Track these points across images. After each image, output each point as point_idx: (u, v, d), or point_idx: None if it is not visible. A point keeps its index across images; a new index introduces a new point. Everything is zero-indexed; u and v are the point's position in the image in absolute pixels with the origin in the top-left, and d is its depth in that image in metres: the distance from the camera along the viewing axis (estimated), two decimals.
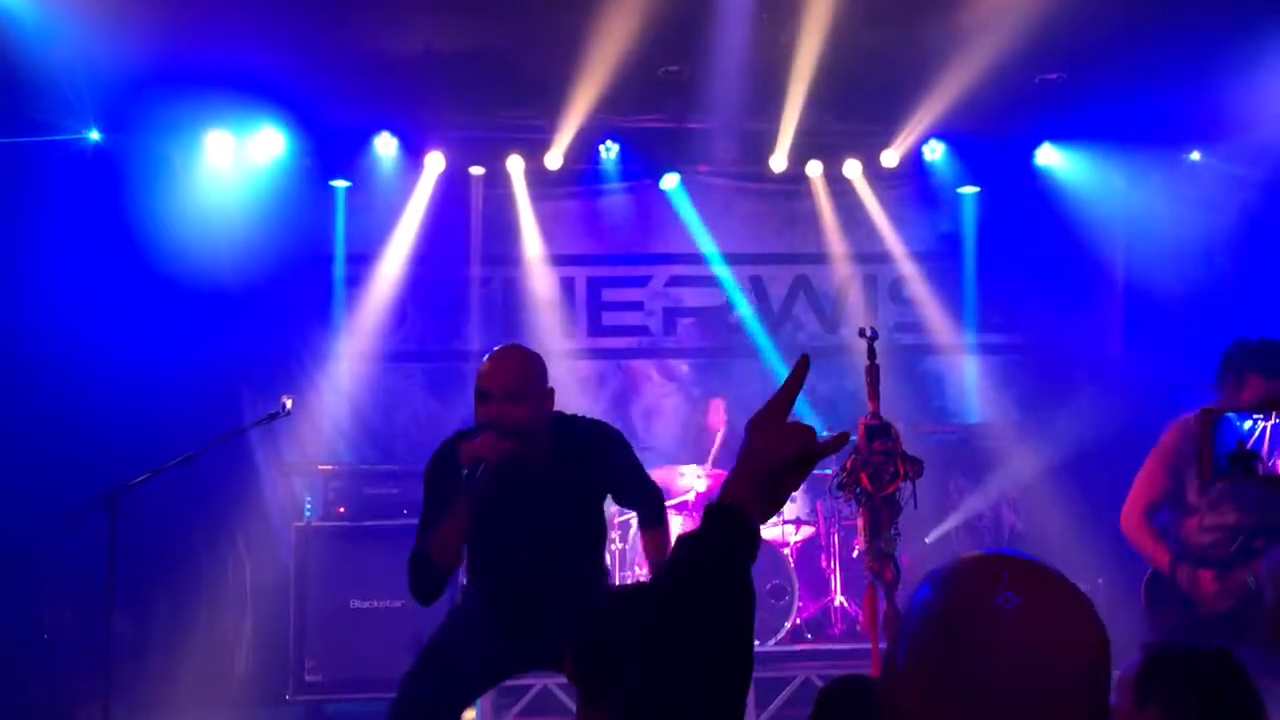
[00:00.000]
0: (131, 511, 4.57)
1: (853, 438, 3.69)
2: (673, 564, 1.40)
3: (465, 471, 3.24)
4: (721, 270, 7.99)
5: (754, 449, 1.44)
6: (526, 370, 3.40)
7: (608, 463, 3.58)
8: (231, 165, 7.12)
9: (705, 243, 7.93)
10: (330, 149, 7.37)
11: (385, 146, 7.35)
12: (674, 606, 1.36)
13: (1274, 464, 3.23)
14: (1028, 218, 7.85)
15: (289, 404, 4.74)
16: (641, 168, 7.73)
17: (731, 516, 1.40)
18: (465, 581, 3.67)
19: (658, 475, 6.64)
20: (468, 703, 3.49)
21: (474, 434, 3.36)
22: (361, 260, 7.60)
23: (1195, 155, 7.66)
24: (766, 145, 7.69)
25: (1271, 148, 6.73)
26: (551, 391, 3.47)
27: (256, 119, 7.01)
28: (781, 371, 7.87)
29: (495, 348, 3.52)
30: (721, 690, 1.34)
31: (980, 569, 1.24)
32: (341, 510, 6.34)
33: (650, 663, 1.33)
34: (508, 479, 3.34)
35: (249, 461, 7.10)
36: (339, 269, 7.58)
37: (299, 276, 7.44)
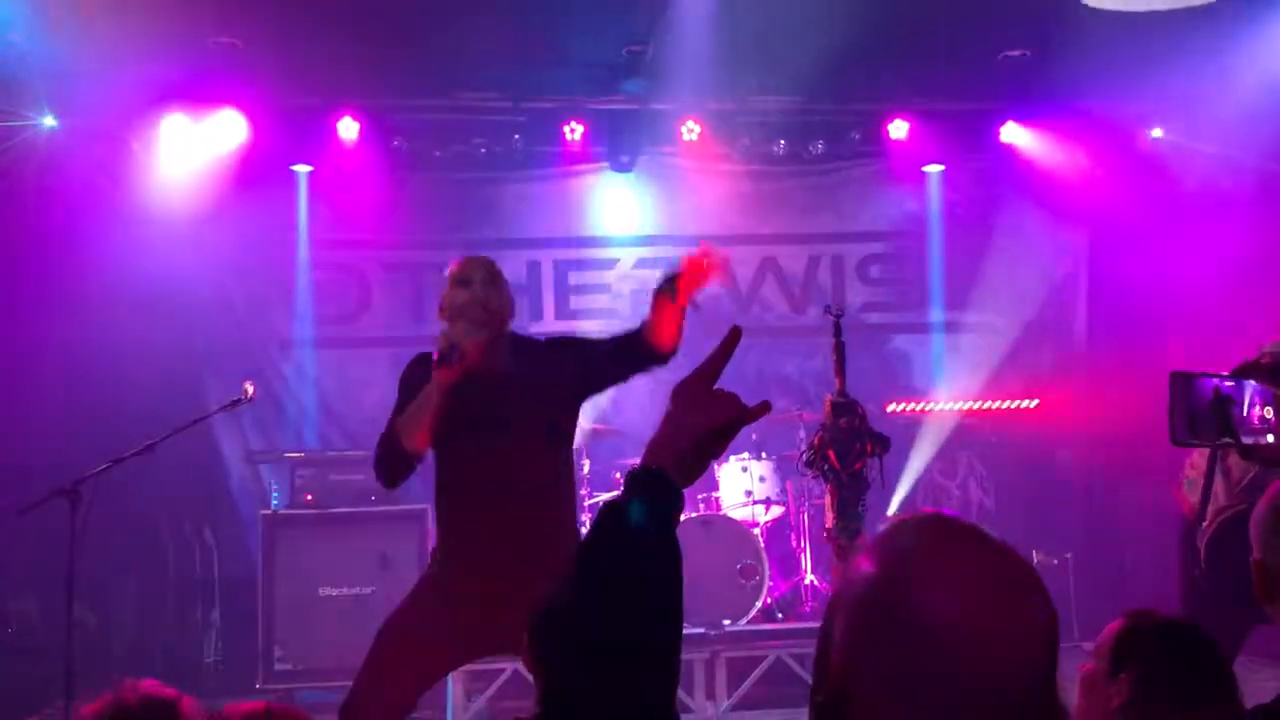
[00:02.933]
0: (96, 502, 4.51)
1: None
2: (596, 528, 1.40)
3: (440, 357, 3.27)
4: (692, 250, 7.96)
5: (679, 416, 1.46)
6: (496, 267, 3.53)
7: (568, 351, 3.58)
8: (190, 149, 7.02)
9: (672, 223, 7.90)
10: (291, 133, 7.28)
11: (347, 130, 7.27)
12: (600, 572, 1.37)
13: (1251, 415, 3.19)
14: (993, 195, 7.89)
15: (251, 390, 4.69)
16: (607, 149, 7.69)
17: (657, 480, 1.41)
18: (432, 547, 3.59)
19: (629, 460, 6.68)
20: (426, 687, 3.42)
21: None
22: (325, 245, 7.53)
23: (1157, 132, 7.71)
24: (732, 126, 7.68)
25: (1231, 124, 6.77)
26: (512, 300, 3.53)
27: (215, 102, 6.92)
28: (749, 351, 7.87)
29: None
30: (653, 657, 1.35)
31: (920, 536, 1.21)
32: (309, 497, 6.30)
33: (579, 632, 1.33)
34: (474, 400, 3.33)
35: (215, 450, 7.05)
36: (302, 254, 7.49)
37: (262, 262, 7.36)
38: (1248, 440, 2.11)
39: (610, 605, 1.34)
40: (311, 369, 7.45)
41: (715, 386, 1.49)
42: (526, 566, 3.30)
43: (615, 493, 1.47)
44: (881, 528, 1.24)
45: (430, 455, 3.45)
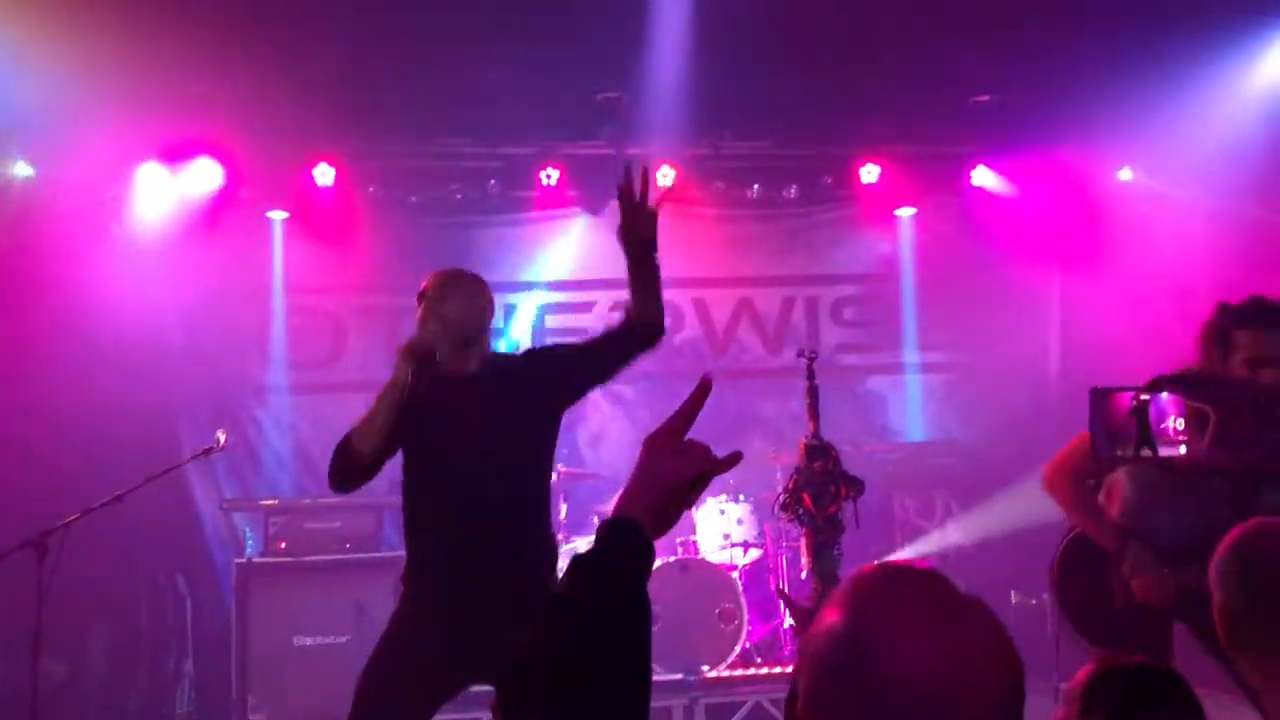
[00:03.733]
0: (67, 551, 4.45)
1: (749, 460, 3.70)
2: (569, 581, 1.40)
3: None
4: (668, 293, 7.99)
5: (651, 468, 1.47)
6: (458, 278, 3.54)
7: (549, 360, 3.57)
8: (166, 198, 7.01)
9: None
10: (267, 179, 7.29)
11: (322, 176, 7.28)
12: (571, 627, 1.37)
13: (1165, 427, 3.22)
14: (965, 237, 7.97)
15: (223, 438, 4.66)
16: (582, 194, 7.73)
17: (629, 532, 1.42)
18: (402, 581, 3.51)
19: (606, 504, 6.66)
20: None
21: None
22: (301, 291, 7.52)
23: (1126, 173, 7.82)
24: (706, 171, 7.75)
25: (1199, 166, 6.88)
26: (492, 306, 3.55)
27: (191, 150, 6.93)
28: (725, 394, 7.89)
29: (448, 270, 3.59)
30: (622, 713, 1.35)
31: (882, 591, 1.22)
32: (283, 545, 6.24)
33: (552, 680, 1.33)
34: (445, 413, 3.33)
35: (188, 498, 6.98)
36: (278, 300, 7.47)
37: (238, 309, 7.34)
38: (1164, 451, 2.11)
39: (580, 660, 1.34)
40: (287, 415, 7.41)
41: (687, 437, 1.51)
42: (504, 586, 3.27)
43: (591, 537, 1.48)
44: (846, 579, 1.24)
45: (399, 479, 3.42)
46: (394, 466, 3.49)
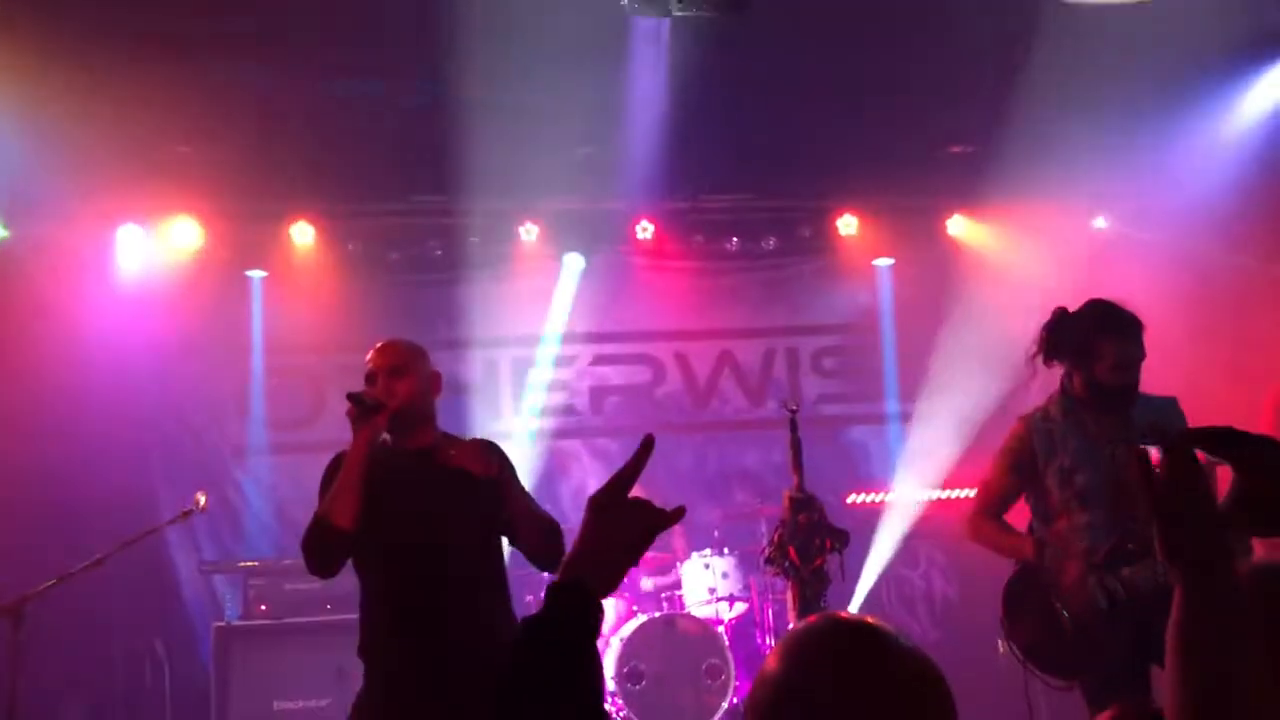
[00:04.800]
0: (44, 614, 4.39)
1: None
2: (518, 647, 1.42)
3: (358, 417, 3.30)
4: (649, 346, 8.03)
5: (596, 527, 1.49)
6: (409, 349, 3.53)
7: (499, 459, 3.48)
8: (144, 258, 7.01)
9: (629, 320, 7.96)
10: (246, 238, 7.30)
11: (301, 234, 7.29)
12: (524, 691, 1.38)
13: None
14: (943, 286, 8.01)
15: (203, 500, 4.62)
16: (561, 249, 7.77)
17: (576, 595, 1.44)
18: (364, 662, 3.44)
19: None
20: None
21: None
22: (280, 350, 7.49)
23: (1100, 221, 7.91)
24: (684, 224, 7.80)
25: (1173, 212, 6.96)
26: (438, 376, 3.54)
27: (169, 210, 6.94)
28: (708, 446, 7.88)
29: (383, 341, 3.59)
30: None
31: (818, 641, 1.28)
32: (263, 608, 6.16)
33: None
34: (396, 494, 3.30)
35: (167, 561, 6.89)
36: (257, 360, 7.44)
37: (217, 369, 7.30)
38: None
39: None
40: (266, 475, 7.34)
41: (631, 494, 1.53)
42: (465, 660, 3.23)
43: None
44: (789, 631, 1.29)
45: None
46: None
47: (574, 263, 7.84)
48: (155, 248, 7.04)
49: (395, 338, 3.60)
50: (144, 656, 6.59)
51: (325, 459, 7.83)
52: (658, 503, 1.54)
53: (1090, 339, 3.74)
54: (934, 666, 1.26)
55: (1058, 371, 3.94)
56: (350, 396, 3.35)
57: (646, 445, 1.57)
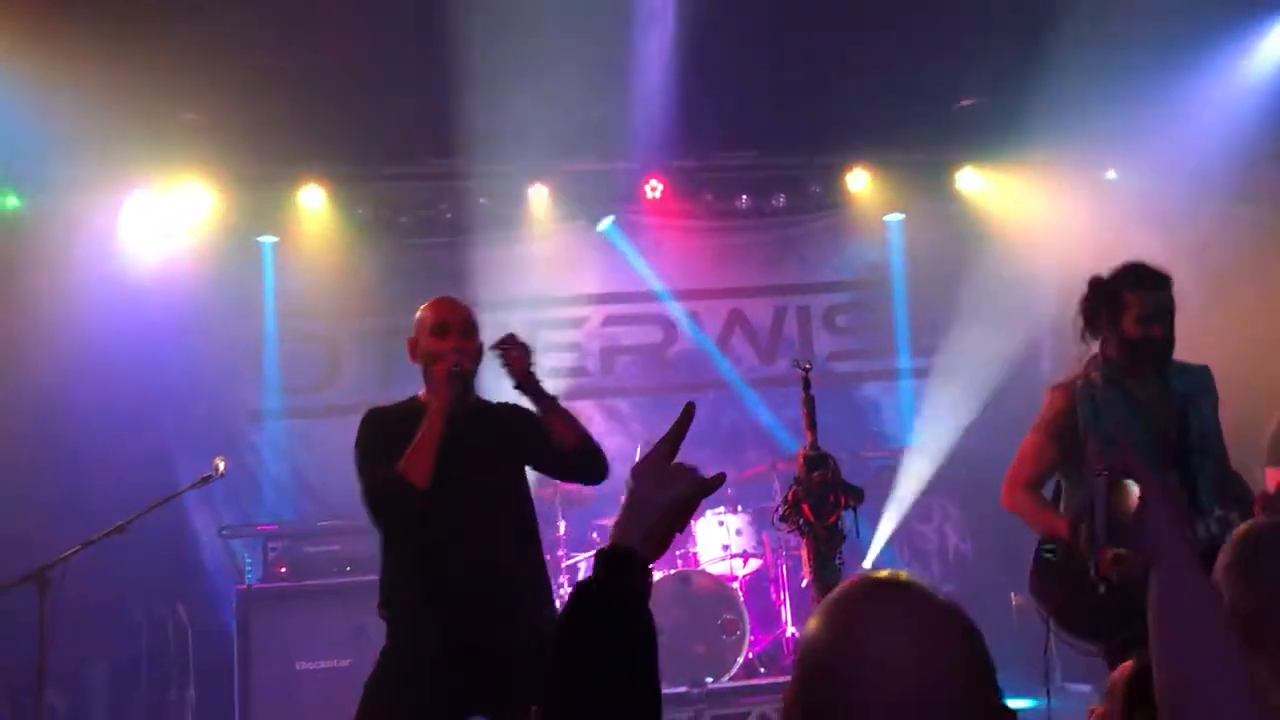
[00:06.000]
0: (67, 587, 4.45)
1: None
2: (569, 614, 1.44)
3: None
4: (660, 306, 8.04)
5: (641, 494, 1.52)
6: (473, 312, 3.61)
7: (527, 419, 3.57)
8: (156, 225, 7.02)
9: (639, 280, 7.96)
10: (256, 204, 7.30)
11: (312, 199, 7.29)
12: (578, 658, 1.40)
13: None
14: (954, 241, 7.98)
15: (222, 466, 4.66)
16: (570, 210, 7.75)
17: (625, 560, 1.46)
18: (388, 619, 3.48)
19: (605, 520, 6.65)
20: None
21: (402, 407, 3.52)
22: (293, 315, 7.51)
23: (1111, 174, 7.86)
24: (694, 183, 7.77)
25: (1184, 163, 6.91)
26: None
27: (179, 176, 6.94)
28: (720, 405, 7.89)
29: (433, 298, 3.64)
30: None
31: (860, 601, 1.28)
32: (283, 570, 6.23)
33: (563, 715, 1.37)
34: (450, 444, 3.36)
35: (187, 526, 6.95)
36: (270, 325, 7.46)
37: (230, 334, 7.31)
38: None
39: (591, 692, 1.37)
40: (282, 440, 7.39)
41: (674, 460, 1.56)
42: (500, 618, 3.28)
43: (590, 553, 1.54)
44: (832, 592, 1.30)
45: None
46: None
47: (580, 225, 7.81)
48: (166, 214, 7.04)
49: (454, 298, 3.66)
50: (167, 621, 6.68)
51: (340, 423, 7.87)
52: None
53: (1118, 294, 3.76)
54: (971, 622, 1.27)
55: (1068, 332, 3.95)
56: (443, 371, 3.41)
57: (688, 412, 1.60)
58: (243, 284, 7.36)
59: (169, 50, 5.41)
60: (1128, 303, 3.73)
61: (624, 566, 1.46)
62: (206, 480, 4.75)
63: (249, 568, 6.41)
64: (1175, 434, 3.70)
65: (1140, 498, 1.60)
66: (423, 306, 3.60)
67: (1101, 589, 3.56)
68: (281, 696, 5.91)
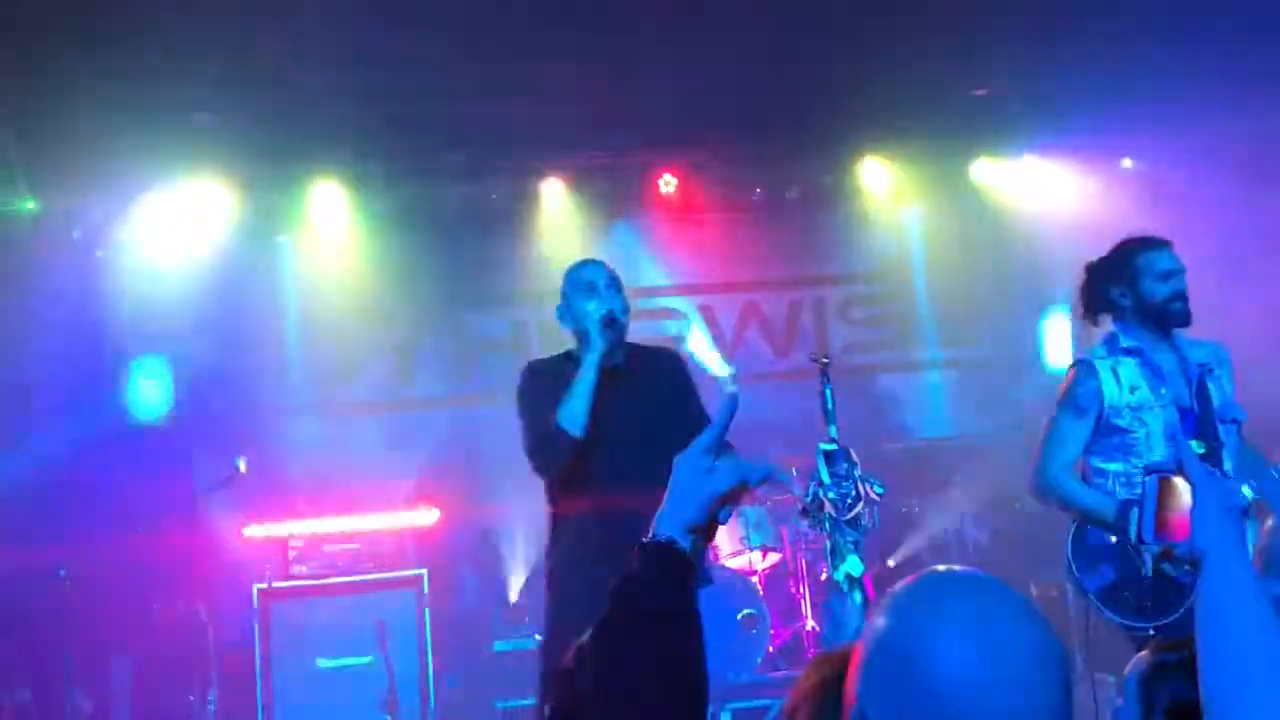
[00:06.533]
0: (90, 585, 4.48)
1: (785, 473, 3.73)
2: (614, 608, 1.42)
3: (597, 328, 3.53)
4: (673, 302, 8.03)
5: (685, 484, 1.50)
6: (613, 270, 3.81)
7: (678, 381, 3.75)
8: (173, 227, 7.05)
9: (655, 274, 7.95)
10: (273, 203, 7.32)
11: (327, 197, 7.32)
12: (623, 652, 1.38)
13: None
14: (969, 231, 7.96)
15: (243, 465, 4.69)
16: (586, 202, 7.75)
17: (668, 553, 1.44)
18: (548, 574, 3.64)
19: None
20: None
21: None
22: (312, 313, 7.53)
23: (1127, 162, 7.82)
24: (707, 176, 7.76)
25: (1198, 153, 6.88)
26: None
27: (197, 178, 6.97)
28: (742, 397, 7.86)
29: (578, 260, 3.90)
30: None
31: (926, 597, 1.25)
32: (304, 569, 6.25)
33: (607, 712, 1.35)
34: (601, 410, 3.49)
35: (208, 524, 6.98)
36: (289, 323, 7.49)
37: (250, 333, 7.34)
38: None
39: (633, 686, 1.35)
40: (302, 437, 7.41)
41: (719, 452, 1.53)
42: None
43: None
44: (897, 584, 1.28)
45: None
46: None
47: (595, 218, 7.81)
48: (183, 216, 7.07)
49: (594, 261, 3.88)
50: (188, 619, 6.71)
51: (361, 420, 7.91)
52: None
53: (1129, 260, 3.81)
54: (1040, 613, 1.25)
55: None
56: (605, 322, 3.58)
57: (731, 405, 1.58)
58: (261, 283, 7.40)
59: (184, 53, 5.42)
60: (1143, 266, 3.78)
61: (665, 561, 1.44)
62: (229, 480, 4.77)
63: (269, 565, 6.42)
64: (1198, 404, 3.72)
65: (1192, 495, 1.58)
66: (566, 271, 3.83)
67: (1148, 572, 3.57)
68: (304, 695, 5.92)
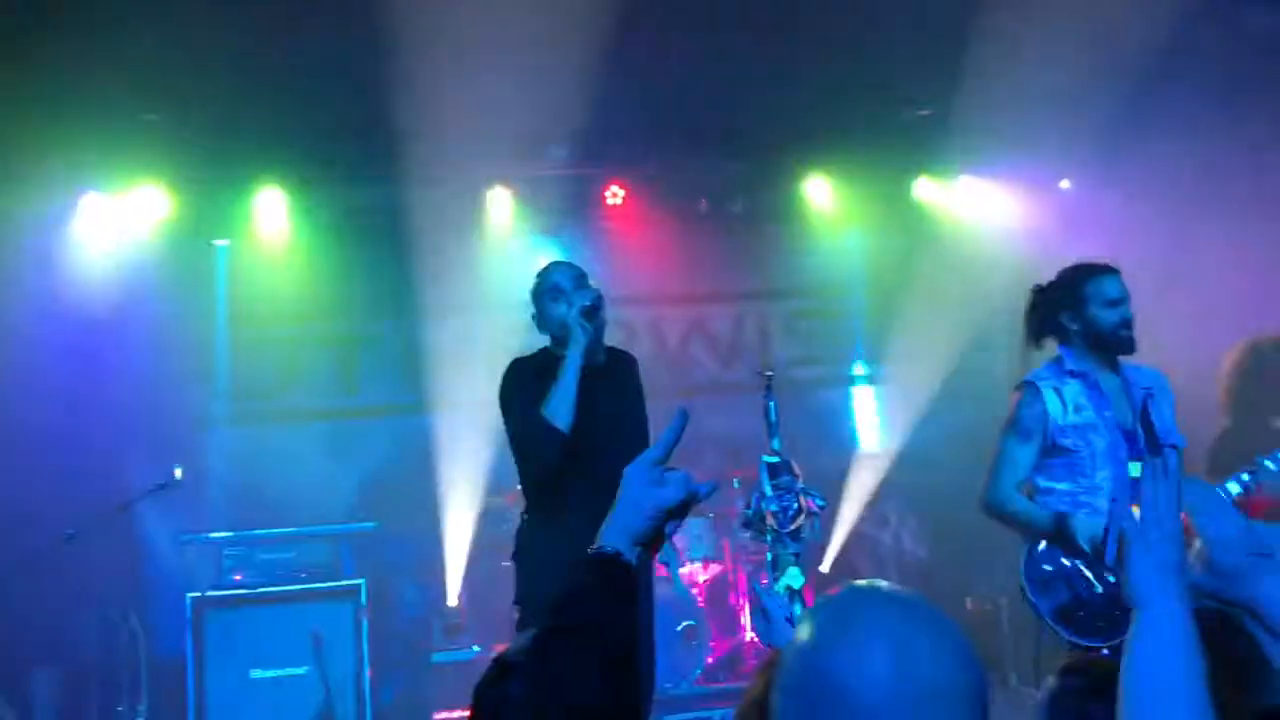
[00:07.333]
0: (16, 593, 4.36)
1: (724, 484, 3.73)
2: (557, 619, 1.42)
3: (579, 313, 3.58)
4: (621, 312, 8.02)
5: (633, 497, 1.50)
6: (578, 270, 3.85)
7: (638, 384, 3.87)
8: (109, 228, 6.92)
9: (599, 286, 7.93)
10: (212, 207, 7.21)
11: (270, 203, 7.23)
12: (563, 661, 1.37)
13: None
14: (911, 249, 8.05)
15: (179, 474, 4.60)
16: (534, 216, 7.73)
17: (610, 564, 1.45)
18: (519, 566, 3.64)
19: None
20: None
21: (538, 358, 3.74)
22: (247, 319, 7.42)
23: (1066, 183, 7.97)
24: (655, 187, 7.78)
25: (1139, 173, 7.01)
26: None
27: (135, 179, 6.85)
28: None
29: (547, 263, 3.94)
30: None
31: (840, 610, 1.26)
32: (238, 578, 6.15)
33: (537, 711, 1.35)
34: (584, 410, 3.53)
35: (139, 533, 6.84)
36: (224, 329, 7.37)
37: (184, 339, 7.21)
38: None
39: (572, 698, 1.35)
40: (236, 445, 7.30)
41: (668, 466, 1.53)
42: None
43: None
44: (817, 599, 1.28)
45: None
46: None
47: (543, 230, 7.80)
48: (120, 217, 6.94)
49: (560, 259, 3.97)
50: (118, 630, 6.56)
51: (295, 428, 7.80)
52: None
53: (1078, 286, 3.87)
54: (959, 629, 1.25)
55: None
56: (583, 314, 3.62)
57: (681, 418, 1.60)
58: (196, 288, 7.28)
59: (128, 49, 5.33)
60: (1091, 293, 3.85)
61: (610, 574, 1.44)
62: (163, 487, 4.69)
63: (203, 574, 6.31)
64: (1141, 427, 3.80)
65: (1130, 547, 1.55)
66: (535, 279, 3.86)
67: (1099, 591, 3.63)
68: (237, 705, 5.84)
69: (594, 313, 3.60)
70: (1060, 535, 3.71)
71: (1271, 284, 6.43)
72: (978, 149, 7.48)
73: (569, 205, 7.74)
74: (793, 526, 3.57)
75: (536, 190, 7.61)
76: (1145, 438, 3.80)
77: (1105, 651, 3.56)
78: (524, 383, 3.64)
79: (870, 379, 8.20)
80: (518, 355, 3.94)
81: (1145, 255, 6.53)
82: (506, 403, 3.67)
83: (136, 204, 6.95)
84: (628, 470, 1.53)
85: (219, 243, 7.37)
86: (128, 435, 6.86)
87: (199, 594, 6.07)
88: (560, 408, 3.49)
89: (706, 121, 7.04)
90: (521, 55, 5.75)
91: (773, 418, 3.76)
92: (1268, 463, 3.73)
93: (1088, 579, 3.69)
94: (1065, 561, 3.72)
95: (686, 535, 6.69)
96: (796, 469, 3.65)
